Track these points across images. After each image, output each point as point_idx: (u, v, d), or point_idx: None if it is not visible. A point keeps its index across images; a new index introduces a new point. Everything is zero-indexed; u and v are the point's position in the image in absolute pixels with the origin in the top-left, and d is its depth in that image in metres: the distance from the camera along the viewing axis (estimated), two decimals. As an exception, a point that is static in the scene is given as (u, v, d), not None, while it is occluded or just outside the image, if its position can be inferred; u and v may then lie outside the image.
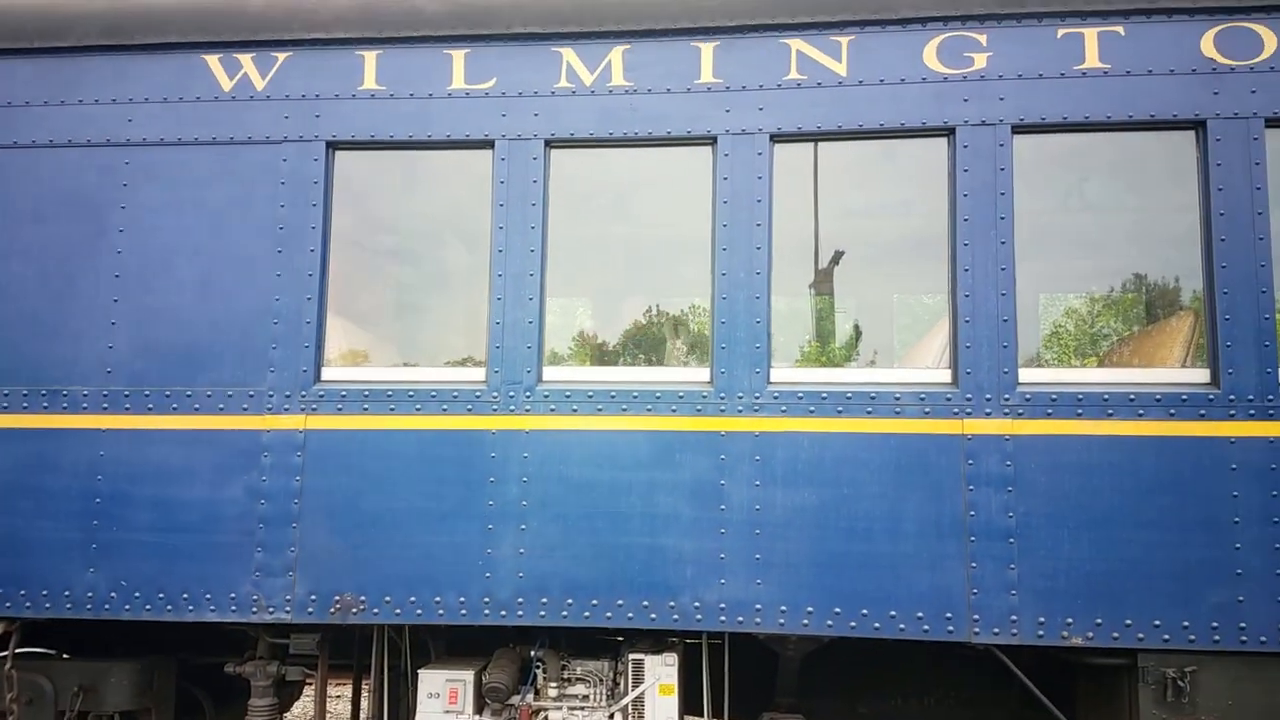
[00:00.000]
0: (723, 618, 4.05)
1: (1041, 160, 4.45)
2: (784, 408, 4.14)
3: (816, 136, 4.32)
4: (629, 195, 5.07)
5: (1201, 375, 4.02)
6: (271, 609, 4.23)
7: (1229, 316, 3.95)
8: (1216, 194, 4.00)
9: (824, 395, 4.12)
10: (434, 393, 4.28)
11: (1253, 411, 3.89)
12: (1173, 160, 4.15)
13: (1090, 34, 4.14)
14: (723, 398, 4.17)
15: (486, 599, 4.15)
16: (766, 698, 4.77)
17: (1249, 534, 3.83)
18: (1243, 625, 3.79)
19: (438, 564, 4.18)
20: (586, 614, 4.11)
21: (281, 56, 4.57)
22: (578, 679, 4.37)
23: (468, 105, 4.44)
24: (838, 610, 4.00)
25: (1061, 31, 4.16)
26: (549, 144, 4.38)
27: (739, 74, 4.31)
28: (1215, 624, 3.80)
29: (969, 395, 4.04)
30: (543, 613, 4.13)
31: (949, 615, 3.95)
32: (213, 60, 4.59)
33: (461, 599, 4.17)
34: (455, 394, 4.27)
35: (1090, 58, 4.11)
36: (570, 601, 4.11)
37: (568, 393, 4.22)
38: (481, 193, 4.42)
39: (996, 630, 3.91)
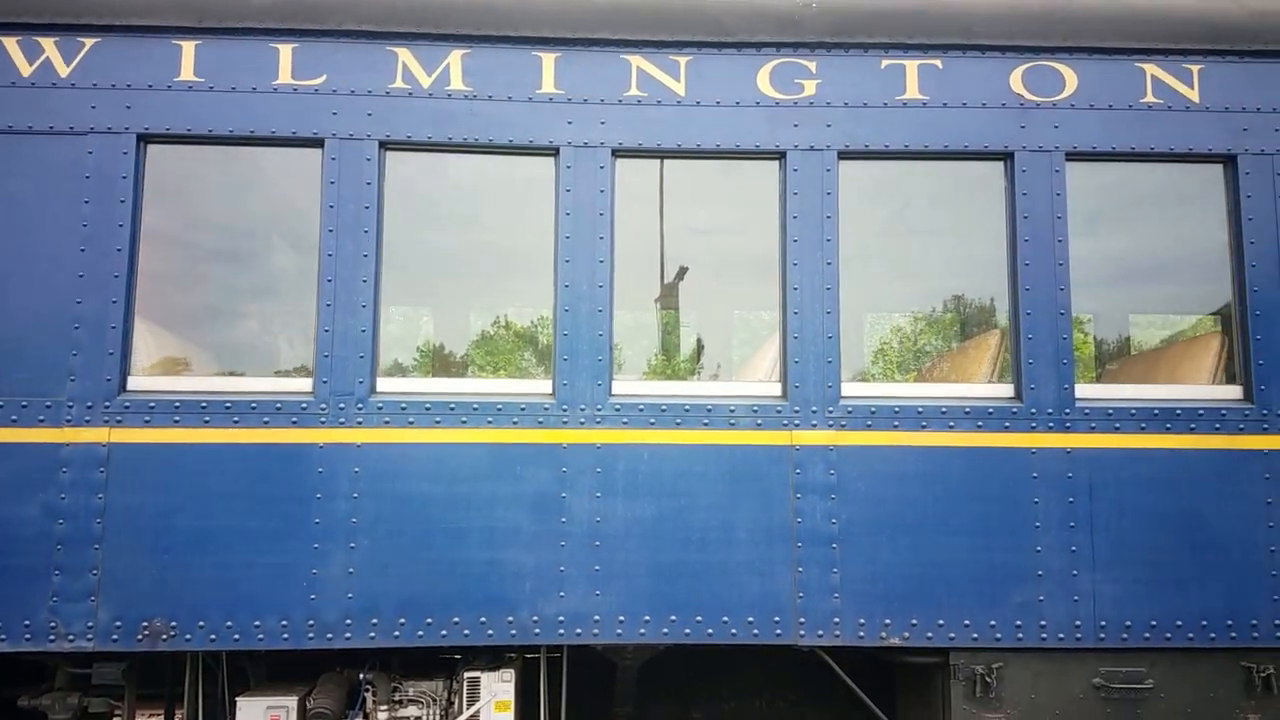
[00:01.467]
0: (562, 631, 4.01)
1: (867, 185, 4.66)
2: (625, 420, 4.14)
3: (657, 154, 4.36)
4: (473, 202, 4.96)
5: (1007, 390, 4.29)
6: (71, 637, 3.87)
7: (1031, 336, 4.24)
8: (1022, 222, 4.29)
9: (664, 408, 4.16)
10: (254, 404, 4.03)
11: (1052, 424, 4.19)
12: (986, 189, 4.43)
13: (911, 66, 4.36)
14: (565, 410, 4.13)
15: (311, 621, 3.94)
16: (606, 708, 4.77)
17: (1049, 538, 4.11)
18: (1043, 623, 4.07)
19: (257, 586, 3.93)
20: (420, 633, 3.96)
21: (89, 42, 4.20)
22: (410, 700, 4.21)
23: (295, 102, 4.22)
24: (673, 618, 4.03)
25: (885, 62, 4.37)
26: (384, 145, 4.22)
27: (581, 87, 4.30)
28: (1019, 622, 4.07)
29: (797, 408, 4.17)
30: (373, 634, 3.95)
31: (778, 619, 4.05)
32: (10, 43, 4.18)
33: (284, 622, 3.94)
34: (279, 405, 4.04)
35: (911, 89, 4.33)
36: (403, 621, 3.96)
37: (403, 405, 4.07)
38: (311, 193, 4.22)
39: (821, 632, 4.05)
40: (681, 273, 6.33)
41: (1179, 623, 4.05)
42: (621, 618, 4.02)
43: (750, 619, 4.05)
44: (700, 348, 7.24)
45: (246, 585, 3.93)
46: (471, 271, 6.16)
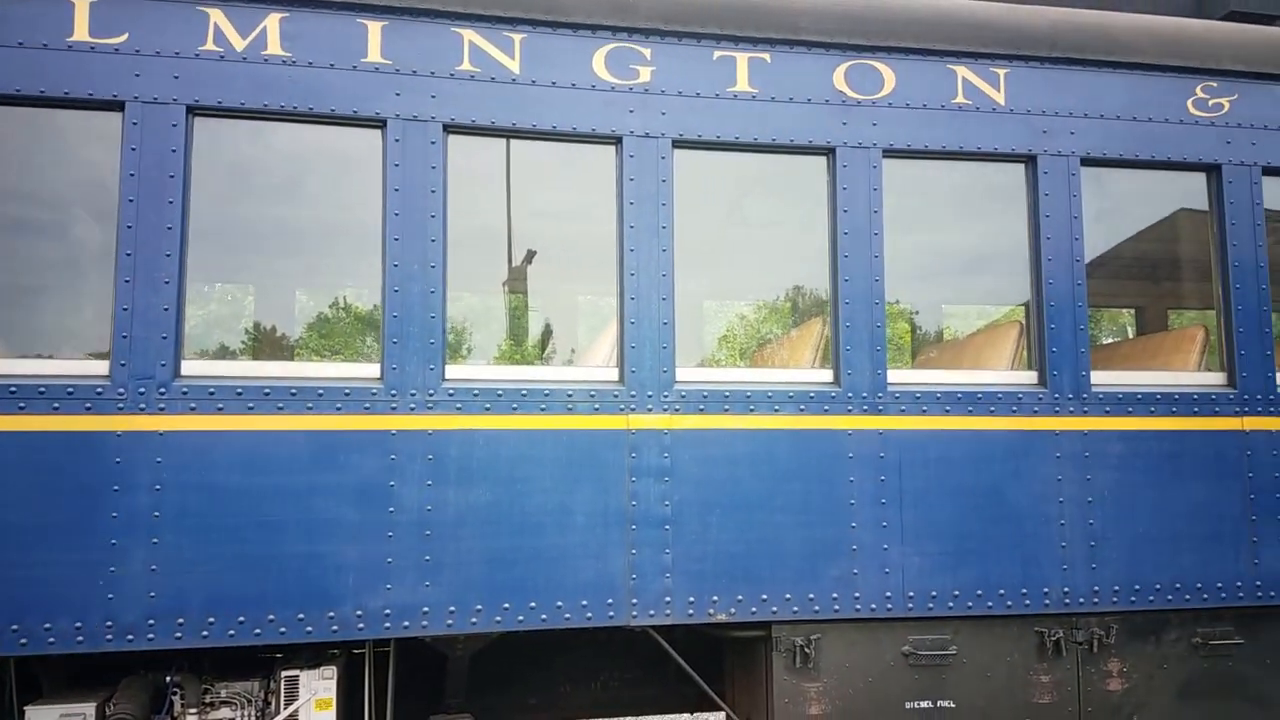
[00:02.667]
0: (388, 624, 3.87)
1: (705, 174, 4.73)
2: (459, 405, 4.03)
3: (493, 132, 4.25)
4: (296, 175, 4.70)
5: (826, 375, 4.46)
6: None
7: (849, 324, 4.42)
8: (842, 215, 4.46)
9: (500, 393, 4.08)
10: (42, 389, 3.66)
11: (866, 407, 4.39)
12: (818, 182, 4.56)
13: (742, 58, 4.45)
14: (394, 395, 3.98)
15: (110, 623, 3.63)
16: (437, 700, 4.66)
17: (863, 514, 4.31)
18: (857, 595, 4.27)
19: (45, 586, 3.58)
20: (231, 632, 3.73)
21: None
22: (222, 702, 3.96)
23: (92, 61, 3.85)
24: (506, 605, 3.97)
25: (717, 54, 4.43)
26: (192, 111, 3.92)
27: (410, 58, 4.12)
28: (835, 595, 4.25)
29: (633, 392, 4.19)
30: (179, 634, 3.68)
31: (611, 601, 4.07)
32: None
33: (78, 624, 3.61)
34: (70, 390, 3.69)
35: (742, 81, 4.42)
36: (212, 620, 3.71)
37: (212, 389, 3.80)
38: (110, 160, 3.87)
39: (653, 612, 4.09)
40: (530, 256, 6.24)
41: (979, 592, 4.34)
42: (452, 608, 3.92)
43: (584, 602, 4.04)
44: (549, 332, 7.18)
45: (31, 586, 3.58)
46: (297, 248, 5.85)
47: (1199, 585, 4.48)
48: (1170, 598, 4.45)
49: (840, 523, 4.28)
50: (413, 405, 3.99)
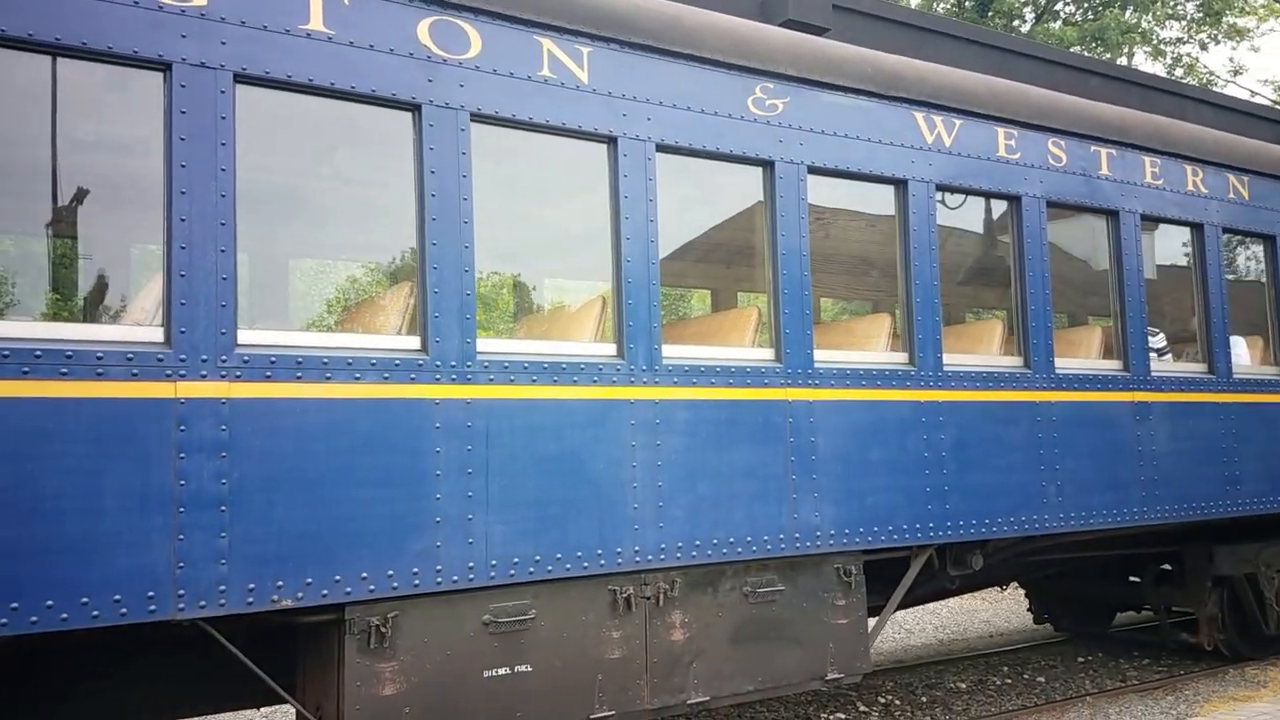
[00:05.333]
0: None
1: (281, 119, 4.45)
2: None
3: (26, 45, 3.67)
4: None
5: (413, 342, 4.41)
6: None
7: (437, 290, 4.42)
8: (430, 177, 4.44)
9: (6, 353, 3.51)
10: None
11: (454, 376, 4.42)
12: (406, 140, 4.49)
13: (315, -7, 4.23)
14: None
15: None
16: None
17: (448, 485, 4.31)
18: (439, 568, 4.27)
19: None
20: None
21: None
22: None
23: None
24: (15, 606, 3.43)
25: None
26: None
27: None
28: (417, 570, 4.21)
29: (184, 356, 3.81)
30: None
31: (152, 594, 3.66)
32: None
33: None
34: None
35: (315, 20, 4.17)
36: None
37: None
38: None
39: (204, 603, 3.75)
40: (80, 195, 5.46)
41: (559, 555, 4.56)
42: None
43: (117, 597, 3.61)
44: (104, 284, 6.33)
45: None
46: None
47: (749, 539, 5.10)
48: (725, 551, 5.02)
49: (424, 495, 4.26)
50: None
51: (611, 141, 4.97)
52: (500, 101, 4.64)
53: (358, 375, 4.18)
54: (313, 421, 4.05)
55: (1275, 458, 7.44)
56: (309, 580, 3.97)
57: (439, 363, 4.38)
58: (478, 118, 4.59)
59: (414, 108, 4.41)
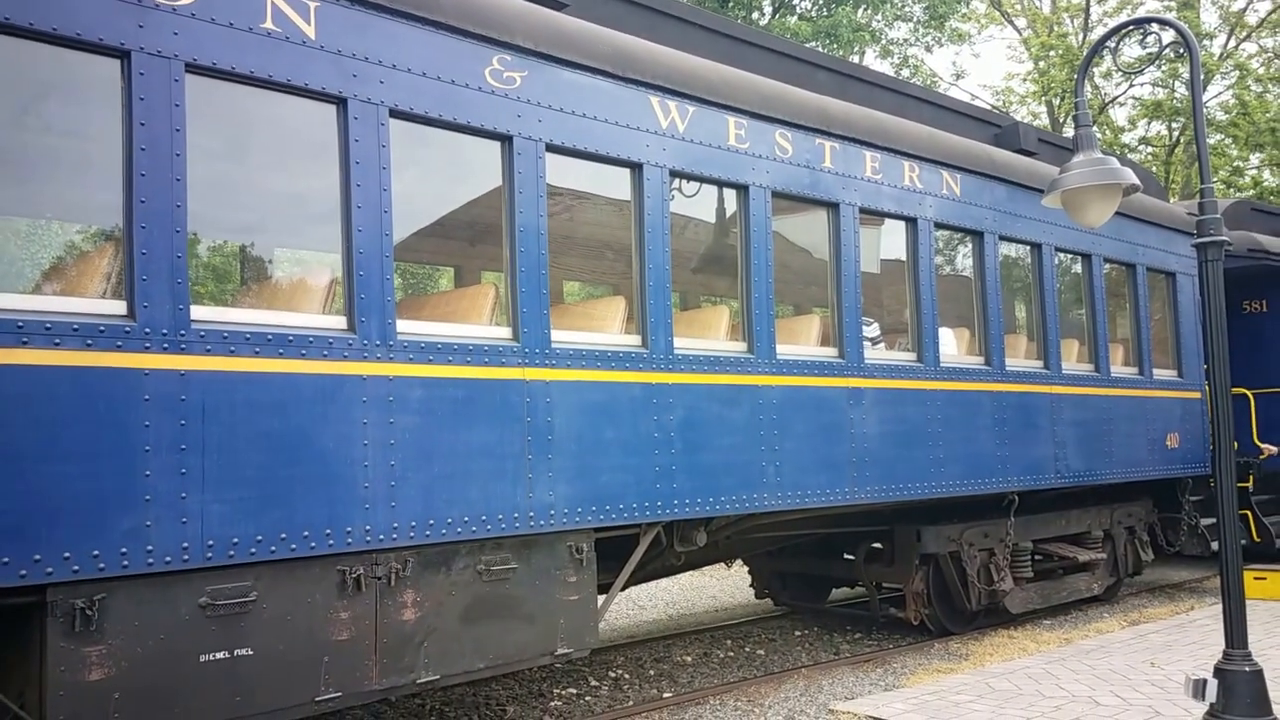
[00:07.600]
0: None
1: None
2: None
3: None
4: None
5: (119, 307, 4.57)
6: None
7: (145, 251, 4.61)
8: (139, 129, 4.62)
9: None
10: None
11: (166, 345, 4.62)
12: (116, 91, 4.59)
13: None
14: None
15: None
16: None
17: (159, 461, 4.52)
18: (150, 548, 4.47)
19: None
20: None
21: None
22: None
23: None
24: None
25: None
26: None
27: None
28: (125, 550, 4.39)
29: None
30: None
31: None
32: None
33: None
34: None
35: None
36: None
37: None
38: None
39: (-122, 587, 3.79)
40: None
41: (283, 535, 4.89)
42: None
43: None
44: None
45: None
46: None
47: (484, 518, 5.66)
48: (460, 530, 5.55)
49: (133, 471, 4.45)
50: None
51: (341, 103, 5.32)
52: (219, 53, 4.87)
53: (57, 341, 4.31)
54: (9, 390, 4.15)
55: (977, 443, 8.99)
56: (5, 560, 4.07)
57: (148, 330, 4.57)
58: (193, 68, 4.80)
59: (122, 54, 4.58)
